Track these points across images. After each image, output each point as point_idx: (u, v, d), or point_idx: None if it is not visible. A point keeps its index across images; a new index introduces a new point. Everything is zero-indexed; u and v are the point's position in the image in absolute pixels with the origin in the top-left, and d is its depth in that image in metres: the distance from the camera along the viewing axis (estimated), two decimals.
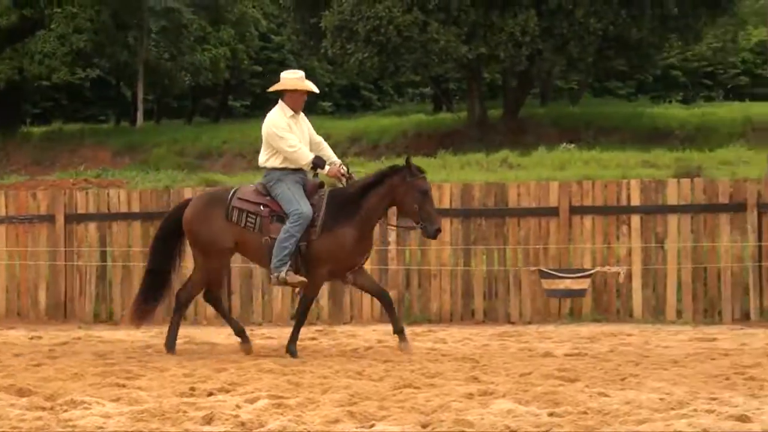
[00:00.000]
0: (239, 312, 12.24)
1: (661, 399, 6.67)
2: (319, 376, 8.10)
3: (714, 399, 6.74)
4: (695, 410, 6.33)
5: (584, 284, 12.11)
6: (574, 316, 12.23)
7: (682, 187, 12.28)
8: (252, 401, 6.90)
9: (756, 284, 11.96)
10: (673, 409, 6.42)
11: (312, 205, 9.48)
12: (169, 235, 10.05)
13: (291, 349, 9.52)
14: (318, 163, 9.66)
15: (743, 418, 6.07)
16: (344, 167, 9.84)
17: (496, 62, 26.72)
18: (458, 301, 12.61)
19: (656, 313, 12.03)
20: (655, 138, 24.74)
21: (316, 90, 9.82)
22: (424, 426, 6.17)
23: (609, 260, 12.11)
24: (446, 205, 12.74)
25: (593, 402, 6.67)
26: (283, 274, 9.41)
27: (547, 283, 12.15)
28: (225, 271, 10.78)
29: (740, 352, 9.33)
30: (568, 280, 12.12)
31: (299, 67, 30.45)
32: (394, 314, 9.80)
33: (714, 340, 10.33)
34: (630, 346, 10.00)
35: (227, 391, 7.35)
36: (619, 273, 12.02)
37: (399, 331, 9.66)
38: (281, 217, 9.52)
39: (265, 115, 9.83)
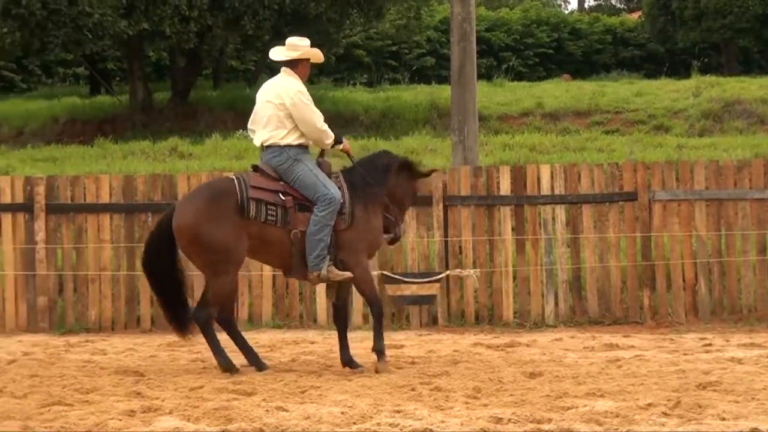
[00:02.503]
0: None
1: (342, 413, 6.86)
2: None
3: (398, 412, 6.99)
4: (378, 424, 6.56)
5: (433, 289, 12.20)
6: (254, 322, 12.37)
7: None
8: None
9: (443, 286, 12.51)
10: (355, 423, 6.63)
11: None
12: (162, 254, 9.19)
13: (380, 348, 9.20)
14: (339, 138, 9.37)
15: None
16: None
17: (161, 39, 26.42)
18: (121, 307, 12.49)
19: None
20: (339, 124, 25.28)
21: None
22: None
23: None
24: (105, 199, 12.60)
25: (270, 417, 6.78)
26: (324, 271, 8.96)
27: (391, 289, 12.15)
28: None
29: (427, 360, 9.75)
30: (415, 286, 12.18)
31: None
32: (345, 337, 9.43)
33: (402, 347, 10.72)
34: (313, 355, 10.23)
35: None
36: (471, 276, 12.21)
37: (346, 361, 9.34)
38: (304, 205, 9.01)
39: None
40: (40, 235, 12.52)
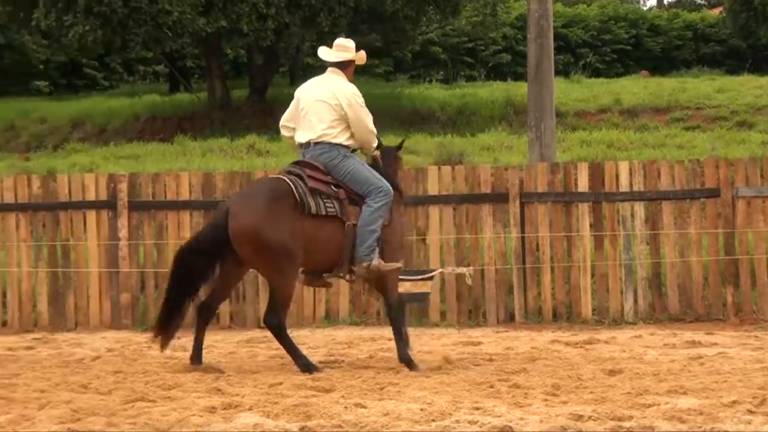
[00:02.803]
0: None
1: (421, 409, 6.82)
2: (35, 389, 7.87)
3: (477, 409, 6.92)
4: (457, 421, 6.51)
5: (426, 287, 12.18)
6: (332, 319, 12.39)
7: (443, 175, 12.64)
8: None
9: (520, 282, 12.45)
10: (434, 420, 6.58)
11: None
12: (208, 257, 8.98)
13: (406, 358, 9.11)
14: (380, 143, 9.58)
15: (506, 429, 6.29)
16: None
17: (238, 37, 26.60)
18: None
19: (419, 315, 12.30)
20: (416, 121, 25.31)
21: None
22: None
23: None
24: (185, 197, 12.69)
25: (349, 414, 6.76)
26: (375, 262, 9.02)
27: None
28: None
29: (505, 357, 9.70)
30: (408, 283, 12.18)
31: (5, 42, 29.08)
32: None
33: (479, 344, 10.67)
34: (390, 351, 10.22)
35: None
36: (465, 274, 12.17)
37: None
38: (353, 198, 9.11)
39: None
40: (123, 232, 12.66)
